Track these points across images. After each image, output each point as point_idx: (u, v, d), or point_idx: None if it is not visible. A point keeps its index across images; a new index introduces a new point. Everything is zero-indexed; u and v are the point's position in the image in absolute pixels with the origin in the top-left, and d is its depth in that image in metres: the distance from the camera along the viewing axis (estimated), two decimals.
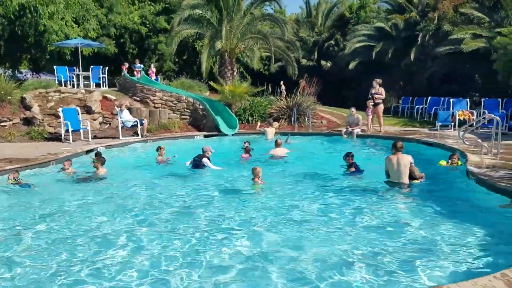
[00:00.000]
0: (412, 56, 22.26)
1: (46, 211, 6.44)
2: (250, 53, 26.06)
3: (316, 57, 29.55)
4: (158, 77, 24.01)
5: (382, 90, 14.93)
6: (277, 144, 11.51)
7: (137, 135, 14.81)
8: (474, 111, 15.63)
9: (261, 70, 28.74)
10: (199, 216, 6.09)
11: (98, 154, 10.67)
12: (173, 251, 4.76)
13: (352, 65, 24.62)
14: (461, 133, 10.58)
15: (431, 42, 22.23)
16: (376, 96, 14.79)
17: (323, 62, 28.41)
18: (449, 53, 20.54)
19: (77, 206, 6.68)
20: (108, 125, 16.26)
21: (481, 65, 19.99)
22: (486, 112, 15.01)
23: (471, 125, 11.78)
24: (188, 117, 17.69)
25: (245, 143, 11.88)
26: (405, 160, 7.54)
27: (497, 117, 9.58)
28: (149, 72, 23.15)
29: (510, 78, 15.13)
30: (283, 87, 22.13)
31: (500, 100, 15.92)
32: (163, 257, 4.58)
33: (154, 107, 17.89)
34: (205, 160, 9.56)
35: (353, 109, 14.82)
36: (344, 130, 14.45)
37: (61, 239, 5.21)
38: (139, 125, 14.81)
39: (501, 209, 5.92)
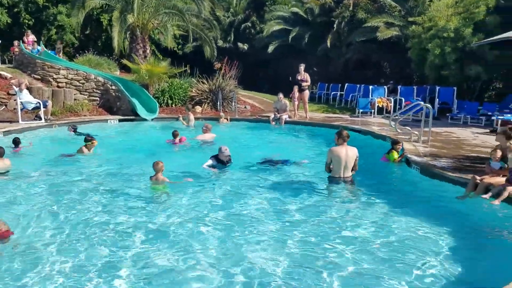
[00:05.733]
0: (328, 43, 22.49)
1: None
2: (163, 30, 24.51)
3: (232, 39, 28.71)
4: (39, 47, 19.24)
5: (307, 76, 14.74)
6: (205, 129, 10.71)
7: (40, 119, 12.91)
8: (391, 98, 16.14)
9: (174, 49, 27.15)
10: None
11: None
12: None
13: (271, 48, 24.25)
14: (393, 122, 10.65)
15: (346, 29, 22.63)
16: (302, 82, 14.54)
17: (240, 45, 27.69)
18: (363, 40, 21.11)
19: None
20: (3, 107, 13.94)
21: (392, 53, 20.91)
22: (403, 99, 15.65)
23: (404, 112, 11.54)
24: (98, 98, 15.94)
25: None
26: (353, 152, 6.69)
27: (429, 105, 9.77)
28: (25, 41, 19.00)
29: (424, 65, 15.84)
30: None
31: (415, 87, 16.64)
32: None
33: (58, 86, 15.82)
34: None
35: (280, 95, 14.34)
36: (272, 116, 13.94)
37: None
38: (42, 107, 12.91)
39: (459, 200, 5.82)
